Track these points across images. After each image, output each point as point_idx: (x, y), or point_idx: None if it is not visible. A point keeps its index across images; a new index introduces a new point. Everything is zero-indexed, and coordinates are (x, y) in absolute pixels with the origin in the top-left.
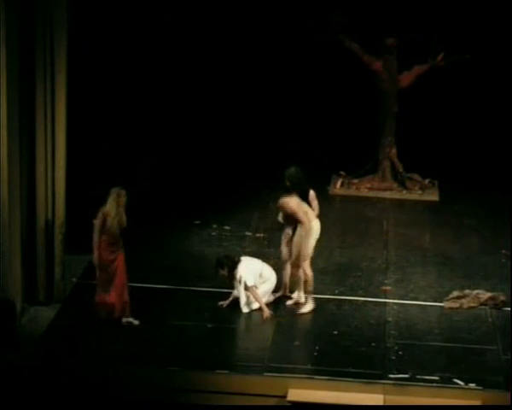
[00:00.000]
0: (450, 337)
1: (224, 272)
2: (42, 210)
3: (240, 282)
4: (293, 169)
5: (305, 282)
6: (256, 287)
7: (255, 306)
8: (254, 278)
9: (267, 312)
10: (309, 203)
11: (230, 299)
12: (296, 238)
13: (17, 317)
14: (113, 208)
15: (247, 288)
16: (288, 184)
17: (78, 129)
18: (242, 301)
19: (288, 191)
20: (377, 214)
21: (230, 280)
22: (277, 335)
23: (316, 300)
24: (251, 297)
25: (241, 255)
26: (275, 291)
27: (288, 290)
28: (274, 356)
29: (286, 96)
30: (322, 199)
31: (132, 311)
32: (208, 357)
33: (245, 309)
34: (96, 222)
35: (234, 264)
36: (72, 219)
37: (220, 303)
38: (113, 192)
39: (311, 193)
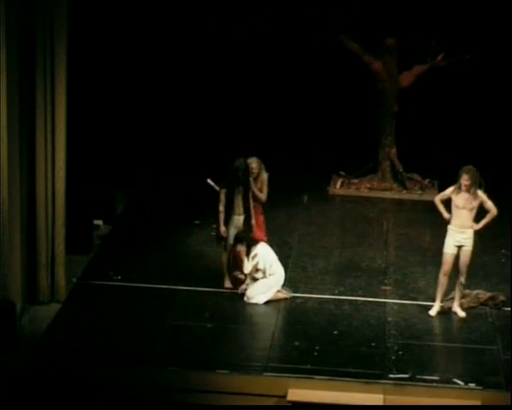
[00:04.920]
0: (450, 337)
1: (242, 248)
2: (42, 210)
3: (253, 259)
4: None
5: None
6: (264, 274)
7: (268, 296)
8: (265, 264)
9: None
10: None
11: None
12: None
13: (17, 317)
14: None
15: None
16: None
17: (78, 129)
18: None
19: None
20: (377, 214)
21: (243, 256)
22: (277, 335)
23: (316, 300)
24: (267, 287)
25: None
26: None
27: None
28: (274, 356)
29: (286, 96)
30: (322, 199)
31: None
32: (208, 357)
33: (262, 299)
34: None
35: (254, 242)
36: (72, 219)
37: (242, 288)
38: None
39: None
